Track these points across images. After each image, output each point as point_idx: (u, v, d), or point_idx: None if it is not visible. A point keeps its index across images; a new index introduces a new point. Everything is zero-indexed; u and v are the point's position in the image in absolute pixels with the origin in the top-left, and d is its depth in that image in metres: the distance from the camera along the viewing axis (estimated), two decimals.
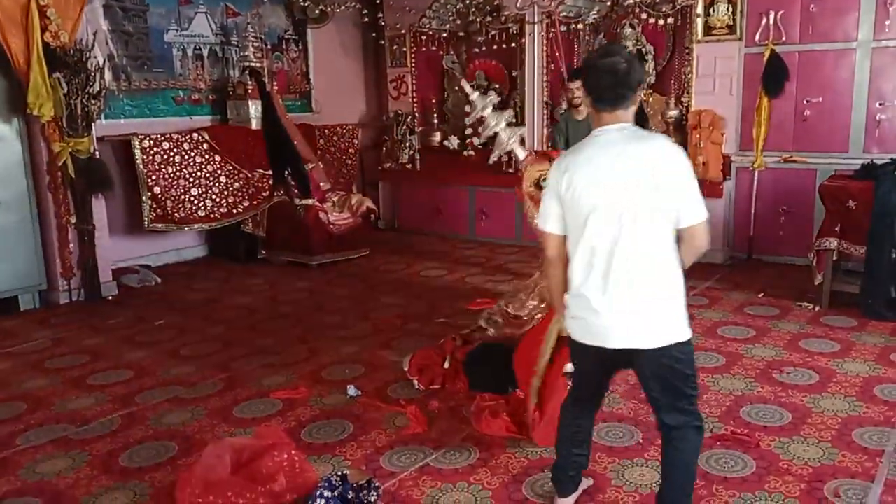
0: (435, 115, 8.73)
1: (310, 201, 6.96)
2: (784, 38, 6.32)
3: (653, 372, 2.41)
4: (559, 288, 2.53)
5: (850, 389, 3.85)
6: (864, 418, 3.51)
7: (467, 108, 4.27)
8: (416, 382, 4.02)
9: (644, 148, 2.30)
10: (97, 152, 5.96)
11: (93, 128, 5.84)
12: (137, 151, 6.40)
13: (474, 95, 4.19)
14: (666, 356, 2.35)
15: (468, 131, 8.39)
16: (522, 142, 4.15)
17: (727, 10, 6.56)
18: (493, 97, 4.25)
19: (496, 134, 4.14)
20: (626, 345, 2.36)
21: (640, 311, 2.32)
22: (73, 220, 5.88)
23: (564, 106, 7.01)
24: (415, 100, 8.80)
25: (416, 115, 8.78)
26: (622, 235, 2.28)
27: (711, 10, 6.65)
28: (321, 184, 7.43)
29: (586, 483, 2.90)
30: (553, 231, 2.47)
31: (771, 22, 6.36)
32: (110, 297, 6.11)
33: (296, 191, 7.03)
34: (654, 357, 2.36)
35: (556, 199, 2.42)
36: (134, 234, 6.89)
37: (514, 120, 4.15)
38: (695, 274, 6.12)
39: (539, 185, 3.84)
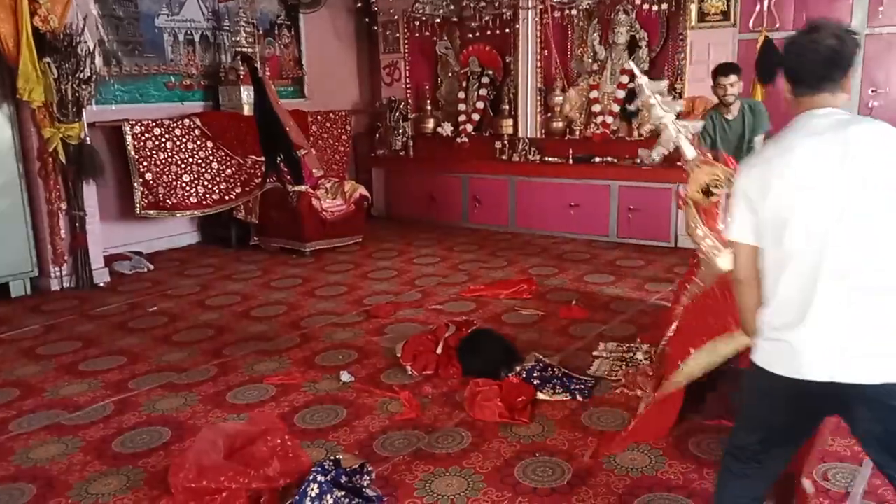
0: (428, 101, 8.71)
1: (302, 188, 6.94)
2: (778, 25, 6.32)
3: (878, 420, 1.85)
4: (753, 314, 2.00)
5: None
6: None
7: (645, 100, 3.60)
8: (409, 368, 4.03)
9: (861, 133, 1.82)
10: (88, 138, 5.92)
11: (83, 113, 5.80)
12: (129, 137, 6.37)
13: (643, 79, 3.66)
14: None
15: (462, 118, 8.40)
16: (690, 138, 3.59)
17: None
18: (665, 83, 3.74)
19: (661, 126, 3.57)
20: (832, 377, 1.80)
21: (857, 338, 1.80)
22: (65, 206, 5.85)
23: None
24: (408, 86, 8.78)
25: (410, 101, 8.76)
26: (834, 244, 1.81)
27: None
28: (314, 170, 7.41)
29: None
30: (743, 240, 1.97)
31: (765, 8, 6.36)
32: (102, 284, 6.09)
33: (288, 177, 7.01)
34: (877, 398, 1.80)
35: (746, 202, 1.94)
36: (126, 221, 6.85)
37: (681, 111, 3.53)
38: (686, 260, 6.14)
39: (708, 192, 3.33)
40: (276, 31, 8.28)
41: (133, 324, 5.10)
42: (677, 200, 3.66)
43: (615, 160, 7.26)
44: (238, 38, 7.36)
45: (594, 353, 4.21)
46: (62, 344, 4.72)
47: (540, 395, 3.64)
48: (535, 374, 3.75)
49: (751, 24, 6.43)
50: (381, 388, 3.85)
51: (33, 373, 4.24)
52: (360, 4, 8.35)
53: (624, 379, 3.81)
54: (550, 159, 7.65)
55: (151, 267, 6.63)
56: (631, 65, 3.83)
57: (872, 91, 6.11)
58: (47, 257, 5.89)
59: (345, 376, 3.98)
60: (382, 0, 8.42)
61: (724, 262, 3.26)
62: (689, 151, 3.52)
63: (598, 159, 7.33)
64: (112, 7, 6.80)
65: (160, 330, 4.95)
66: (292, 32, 8.45)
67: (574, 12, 7.55)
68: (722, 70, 5.07)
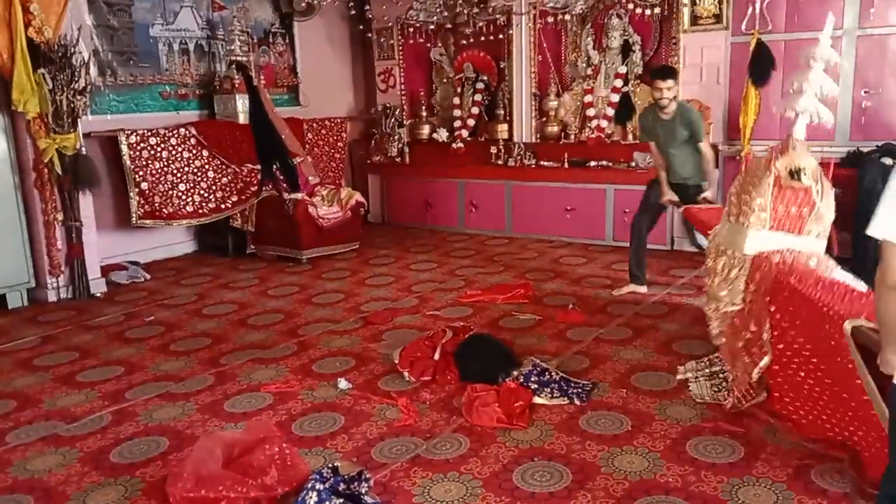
0: (423, 107, 8.73)
1: (298, 196, 6.94)
2: (770, 27, 6.34)
3: None
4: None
5: None
6: None
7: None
8: (406, 374, 4.02)
9: None
10: (84, 148, 5.92)
11: (79, 124, 5.80)
12: (124, 147, 6.38)
13: (826, 39, 3.74)
14: None
15: (457, 124, 8.42)
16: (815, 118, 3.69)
17: None
18: (837, 57, 3.70)
19: (802, 91, 3.63)
20: None
21: None
22: (61, 217, 5.85)
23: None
24: (403, 92, 8.80)
25: (405, 107, 8.78)
26: None
27: (698, 0, 6.67)
28: (310, 178, 7.42)
29: None
30: None
31: (757, 11, 6.38)
32: (99, 294, 6.09)
33: (284, 185, 7.01)
34: None
35: None
36: (122, 231, 6.85)
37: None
38: (683, 263, 6.16)
39: (794, 175, 3.33)
40: (271, 40, 8.29)
41: (130, 334, 5.09)
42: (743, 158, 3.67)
43: (610, 164, 7.28)
44: (233, 47, 7.38)
45: (680, 377, 3.84)
46: (59, 355, 4.72)
47: (537, 400, 3.64)
48: (532, 379, 3.76)
49: (743, 26, 6.46)
50: (379, 394, 3.85)
51: (30, 384, 4.24)
52: (354, 12, 8.38)
53: (733, 400, 3.47)
54: (546, 164, 7.66)
55: (148, 276, 6.63)
56: (823, 40, 3.73)
57: (865, 92, 6.13)
58: (44, 268, 5.88)
59: (342, 383, 3.98)
60: (376, 7, 8.44)
61: (750, 244, 3.27)
62: (800, 131, 3.56)
63: (593, 163, 7.35)
64: (106, 17, 6.81)
65: (157, 339, 4.94)
66: (287, 40, 8.46)
67: (567, 17, 7.58)
68: (659, 74, 5.33)
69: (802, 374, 3.03)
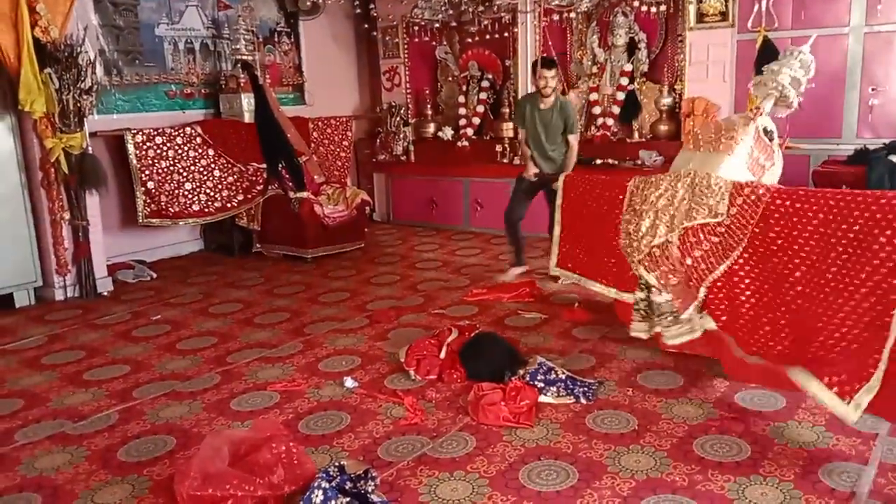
0: (429, 106, 8.73)
1: (304, 194, 6.95)
2: (776, 25, 6.33)
3: None
4: None
5: None
6: None
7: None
8: (412, 373, 4.03)
9: None
10: (90, 148, 5.94)
11: (85, 123, 5.82)
12: (130, 146, 6.39)
13: (806, 50, 4.12)
14: None
15: (462, 122, 8.41)
16: (778, 102, 4.09)
17: None
18: (812, 63, 4.06)
19: (776, 76, 4.05)
20: None
21: None
22: (67, 216, 5.86)
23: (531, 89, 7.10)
24: (408, 91, 8.80)
25: (410, 106, 8.78)
26: None
27: None
28: (315, 177, 7.43)
29: None
30: None
31: (763, 8, 6.36)
32: (106, 293, 6.11)
33: (290, 184, 7.02)
34: None
35: None
36: (128, 230, 6.87)
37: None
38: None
39: (767, 134, 3.92)
40: (276, 39, 8.30)
41: (137, 332, 5.11)
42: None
43: (616, 162, 7.26)
44: (238, 46, 7.39)
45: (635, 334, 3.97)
46: (66, 353, 4.73)
47: (543, 399, 3.64)
48: (538, 377, 3.75)
49: (749, 24, 6.44)
50: (385, 393, 3.85)
51: (38, 382, 4.25)
52: (359, 11, 8.38)
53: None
54: None
55: (154, 275, 6.64)
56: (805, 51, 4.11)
57: (872, 89, 6.11)
58: (51, 267, 5.90)
59: (348, 382, 3.98)
60: (381, 6, 8.44)
61: (725, 168, 3.70)
62: (768, 107, 4.06)
63: (598, 161, 7.33)
64: (112, 17, 6.83)
65: (164, 338, 4.96)
66: (292, 39, 8.47)
67: (573, 15, 7.57)
68: (544, 63, 5.66)
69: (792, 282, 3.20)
